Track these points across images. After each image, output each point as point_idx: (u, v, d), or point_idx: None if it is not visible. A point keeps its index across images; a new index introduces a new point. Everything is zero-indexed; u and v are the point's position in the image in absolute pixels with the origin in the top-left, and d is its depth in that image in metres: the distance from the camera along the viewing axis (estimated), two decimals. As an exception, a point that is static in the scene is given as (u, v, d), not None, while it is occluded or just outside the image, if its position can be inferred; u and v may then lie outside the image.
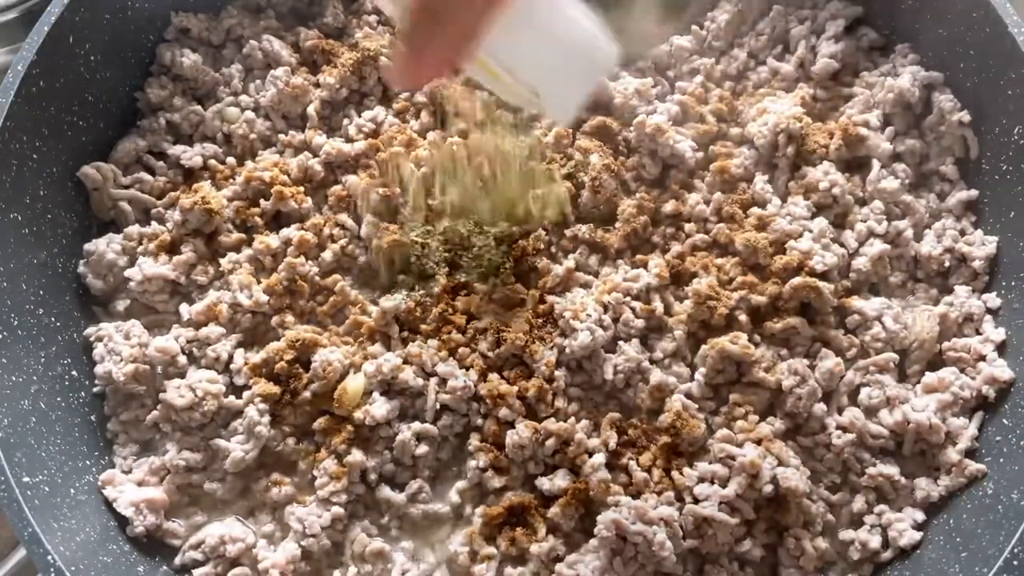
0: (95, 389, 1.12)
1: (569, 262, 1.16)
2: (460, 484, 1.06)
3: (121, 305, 1.17)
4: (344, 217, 1.19)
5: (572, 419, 1.07)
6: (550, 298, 1.13)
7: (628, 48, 0.95)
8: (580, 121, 1.25)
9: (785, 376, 1.07)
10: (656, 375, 1.08)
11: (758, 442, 1.05)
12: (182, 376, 1.10)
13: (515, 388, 1.07)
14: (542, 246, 1.17)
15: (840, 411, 1.09)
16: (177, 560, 1.05)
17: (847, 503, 1.07)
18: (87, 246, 1.18)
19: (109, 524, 1.04)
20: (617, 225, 1.19)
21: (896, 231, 1.17)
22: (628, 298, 1.12)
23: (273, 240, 1.17)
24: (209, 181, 1.23)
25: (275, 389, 1.08)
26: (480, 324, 1.11)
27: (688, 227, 1.18)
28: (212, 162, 1.24)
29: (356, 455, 1.05)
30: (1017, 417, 1.05)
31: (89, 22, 1.16)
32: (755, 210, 1.17)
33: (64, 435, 1.06)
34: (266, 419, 1.07)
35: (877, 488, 1.07)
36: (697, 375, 1.09)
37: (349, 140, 1.24)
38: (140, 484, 1.07)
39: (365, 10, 1.35)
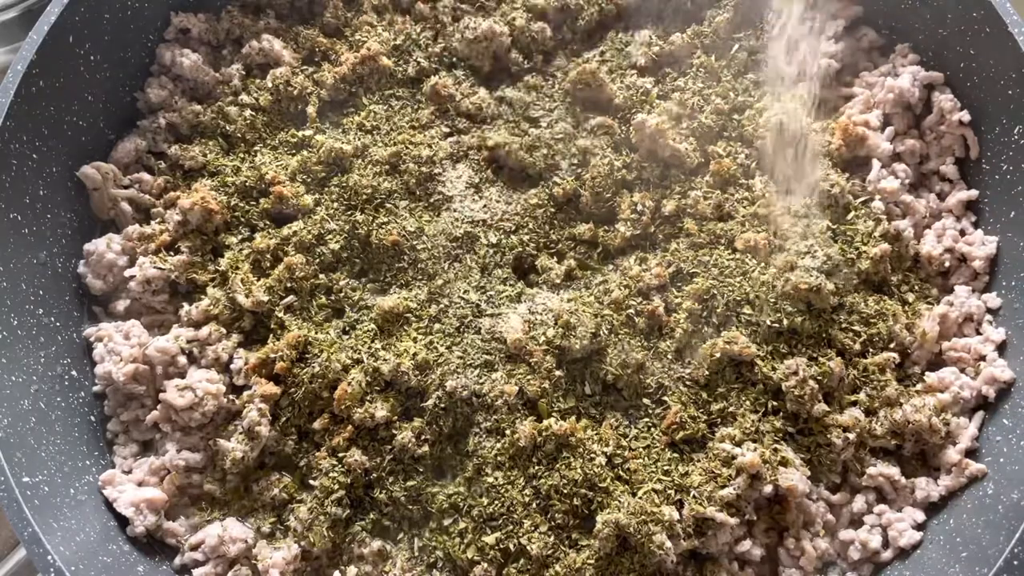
0: (95, 389, 1.12)
1: (569, 261, 1.16)
2: (459, 483, 1.06)
3: (121, 305, 1.17)
4: (343, 215, 1.19)
5: (572, 419, 1.07)
6: (551, 296, 1.13)
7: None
8: (580, 121, 1.25)
9: (785, 376, 1.07)
10: (656, 374, 1.08)
11: (758, 442, 1.05)
12: (182, 376, 1.10)
13: (515, 387, 1.07)
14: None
15: (840, 411, 1.09)
16: (177, 560, 1.05)
17: (847, 503, 1.07)
18: (87, 246, 1.18)
19: (109, 524, 1.04)
20: (617, 225, 1.19)
21: (896, 231, 1.16)
22: (628, 297, 1.12)
23: (273, 239, 1.17)
24: (209, 180, 1.23)
25: (275, 389, 1.08)
26: (480, 322, 1.11)
27: (688, 226, 1.18)
28: (212, 161, 1.24)
29: (356, 455, 1.05)
30: (1017, 417, 1.05)
31: (89, 22, 1.16)
32: (755, 209, 1.17)
33: (64, 435, 1.06)
34: (266, 419, 1.07)
35: (877, 488, 1.08)
36: (697, 374, 1.09)
37: (348, 138, 1.24)
38: (140, 484, 1.07)
39: (364, 9, 1.35)
